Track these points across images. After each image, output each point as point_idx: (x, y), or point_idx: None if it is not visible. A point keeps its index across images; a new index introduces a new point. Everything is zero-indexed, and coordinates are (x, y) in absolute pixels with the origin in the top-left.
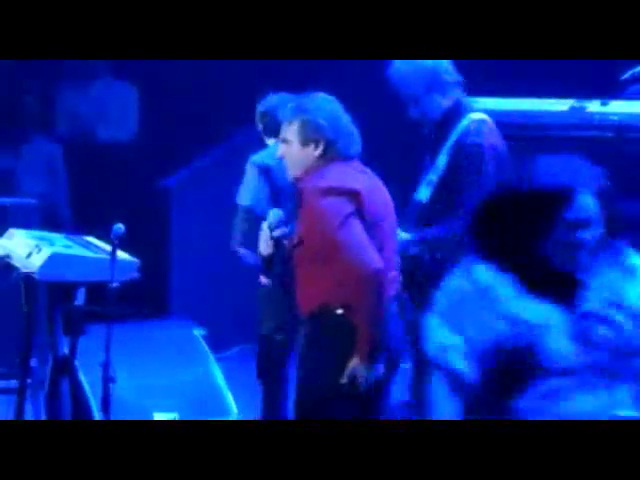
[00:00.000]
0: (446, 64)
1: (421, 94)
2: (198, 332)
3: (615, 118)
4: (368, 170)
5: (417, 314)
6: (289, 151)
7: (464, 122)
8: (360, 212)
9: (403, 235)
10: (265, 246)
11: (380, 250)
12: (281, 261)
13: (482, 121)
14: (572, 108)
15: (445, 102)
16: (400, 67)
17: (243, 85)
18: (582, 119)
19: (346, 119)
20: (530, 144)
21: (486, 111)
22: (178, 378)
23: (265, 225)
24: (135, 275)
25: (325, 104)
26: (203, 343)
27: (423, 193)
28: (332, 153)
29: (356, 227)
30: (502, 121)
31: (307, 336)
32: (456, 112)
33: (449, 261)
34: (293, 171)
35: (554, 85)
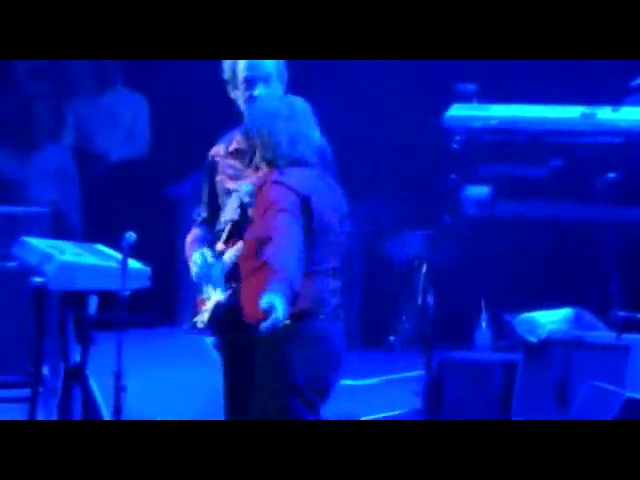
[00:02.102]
0: None
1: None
2: (208, 339)
3: (625, 125)
4: (328, 178)
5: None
6: None
7: None
8: (308, 217)
9: None
10: (232, 213)
11: (328, 257)
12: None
13: None
14: (583, 115)
15: None
16: None
17: None
18: (593, 126)
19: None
20: (542, 151)
21: (498, 119)
22: (188, 385)
23: (235, 194)
24: (146, 283)
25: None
26: (212, 349)
27: None
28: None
29: (293, 225)
30: (512, 129)
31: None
32: None
33: None
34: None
35: (564, 92)
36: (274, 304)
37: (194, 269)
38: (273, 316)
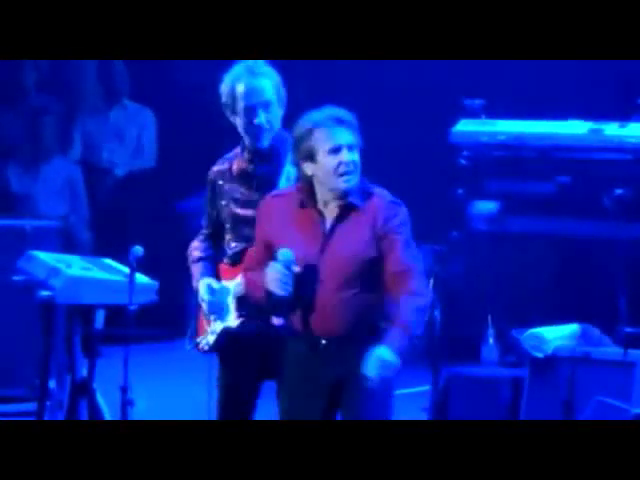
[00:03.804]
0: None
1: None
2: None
3: (633, 140)
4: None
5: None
6: None
7: None
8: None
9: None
10: (284, 286)
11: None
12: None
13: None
14: (590, 131)
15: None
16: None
17: None
18: (600, 142)
19: None
20: (549, 167)
21: (505, 134)
22: (195, 399)
23: (279, 265)
24: (154, 298)
25: None
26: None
27: None
28: None
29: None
30: (520, 144)
31: None
32: None
33: None
34: None
35: (572, 107)
36: (392, 364)
37: (205, 299)
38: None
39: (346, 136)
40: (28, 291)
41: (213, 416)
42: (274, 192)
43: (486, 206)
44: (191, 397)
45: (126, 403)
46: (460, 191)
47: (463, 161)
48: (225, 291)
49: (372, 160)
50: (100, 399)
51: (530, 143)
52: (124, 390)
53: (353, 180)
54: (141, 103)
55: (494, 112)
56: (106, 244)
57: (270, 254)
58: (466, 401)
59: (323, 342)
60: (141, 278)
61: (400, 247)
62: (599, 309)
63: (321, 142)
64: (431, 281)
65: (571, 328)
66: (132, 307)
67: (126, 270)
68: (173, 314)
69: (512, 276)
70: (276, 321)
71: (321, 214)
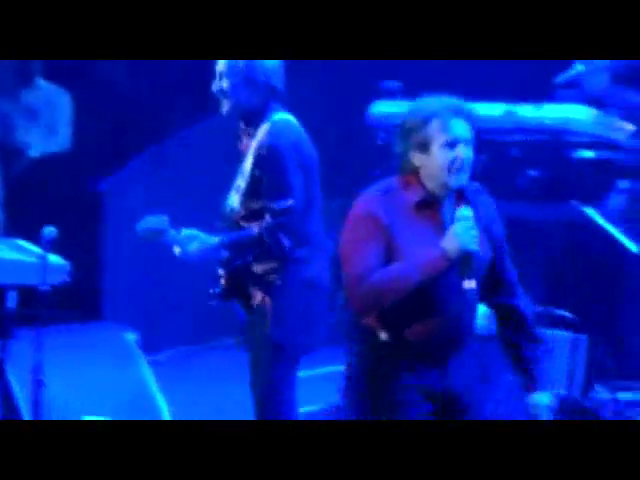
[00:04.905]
0: (269, 65)
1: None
2: (130, 335)
3: (548, 122)
4: None
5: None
6: None
7: (266, 124)
8: None
9: (210, 240)
10: (476, 240)
11: None
12: None
13: (283, 121)
14: (506, 112)
15: (255, 101)
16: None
17: (178, 89)
18: (515, 123)
19: None
20: None
21: None
22: (109, 381)
23: (464, 222)
24: (66, 278)
25: None
26: (135, 346)
27: (233, 199)
28: None
29: None
30: None
31: None
32: (262, 113)
33: (258, 263)
34: None
35: (488, 89)
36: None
37: None
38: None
39: (464, 130)
40: None
41: (126, 398)
42: (379, 188)
43: None
44: (104, 378)
45: (37, 383)
46: (377, 172)
47: (380, 142)
48: None
49: None
50: (12, 380)
51: None
52: (35, 370)
53: (465, 178)
54: (55, 83)
55: (411, 94)
56: (19, 225)
57: (388, 254)
58: None
59: None
60: (53, 259)
61: (508, 255)
62: None
63: (437, 133)
64: (326, 260)
65: (482, 309)
66: (44, 287)
67: (38, 251)
68: (87, 295)
69: None
70: (468, 284)
71: (440, 209)
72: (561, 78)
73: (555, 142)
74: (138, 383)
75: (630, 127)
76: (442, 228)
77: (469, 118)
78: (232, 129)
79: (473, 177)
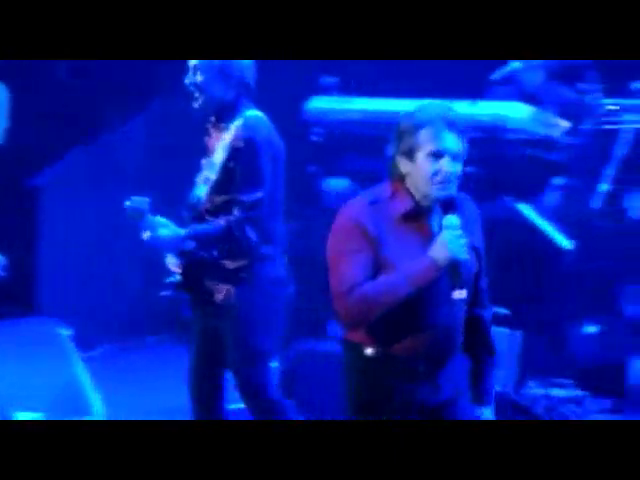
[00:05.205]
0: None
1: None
2: (64, 331)
3: (484, 118)
4: None
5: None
6: None
7: (239, 119)
8: None
9: (178, 230)
10: (464, 248)
11: None
12: None
13: (257, 117)
14: None
15: (228, 95)
16: None
17: (114, 86)
18: None
19: None
20: None
21: (358, 112)
22: (42, 377)
23: (451, 231)
24: (1, 273)
25: None
26: (69, 342)
27: (200, 191)
28: None
29: None
30: (372, 122)
31: None
32: (235, 108)
33: (225, 258)
34: None
35: (424, 85)
36: None
37: None
38: None
39: (454, 143)
40: None
41: (58, 391)
42: (366, 197)
43: (338, 183)
44: (37, 374)
45: None
46: (313, 168)
47: (315, 138)
48: None
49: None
50: None
51: (383, 121)
52: None
53: (449, 190)
54: None
55: (348, 90)
56: None
57: (376, 266)
58: (313, 376)
59: None
60: None
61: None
62: None
63: (425, 142)
64: (286, 258)
65: None
66: None
67: None
68: (22, 291)
69: None
70: (458, 294)
71: (428, 220)
72: (496, 75)
73: (490, 139)
74: (71, 379)
75: (565, 124)
76: (430, 239)
77: (462, 132)
78: (168, 125)
79: None
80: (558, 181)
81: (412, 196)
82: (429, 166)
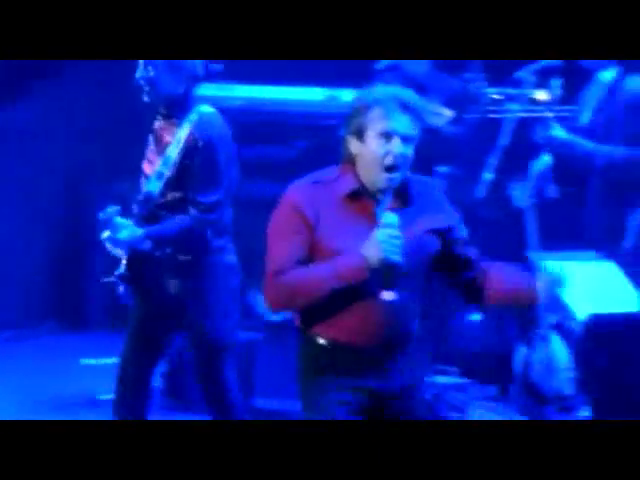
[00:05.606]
0: None
1: (162, 72)
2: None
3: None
4: None
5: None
6: None
7: (194, 115)
8: None
9: (136, 231)
10: (398, 250)
11: None
12: None
13: (212, 113)
14: (327, 97)
15: (180, 89)
16: None
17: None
18: (337, 108)
19: None
20: (286, 132)
21: (242, 99)
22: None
23: (388, 229)
24: None
25: None
26: None
27: (153, 185)
28: None
29: None
30: (257, 110)
31: None
32: (186, 101)
33: (180, 257)
34: None
35: (310, 73)
36: None
37: None
38: None
39: (404, 124)
40: None
41: None
42: (311, 178)
43: None
44: None
45: None
46: None
47: None
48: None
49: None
50: None
51: (267, 108)
52: None
53: (397, 178)
54: None
55: (232, 77)
56: None
57: (311, 252)
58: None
59: None
60: None
61: (463, 237)
62: None
63: (375, 121)
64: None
65: None
66: None
67: None
68: None
69: (248, 242)
70: (387, 295)
71: (375, 202)
72: (381, 64)
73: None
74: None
75: (449, 113)
76: (374, 222)
77: (416, 115)
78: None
79: (291, 161)
80: (442, 169)
81: (359, 178)
82: (379, 147)
